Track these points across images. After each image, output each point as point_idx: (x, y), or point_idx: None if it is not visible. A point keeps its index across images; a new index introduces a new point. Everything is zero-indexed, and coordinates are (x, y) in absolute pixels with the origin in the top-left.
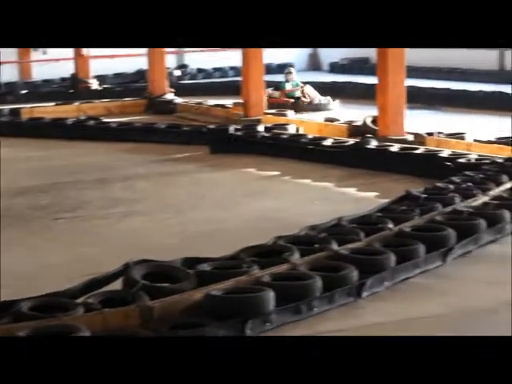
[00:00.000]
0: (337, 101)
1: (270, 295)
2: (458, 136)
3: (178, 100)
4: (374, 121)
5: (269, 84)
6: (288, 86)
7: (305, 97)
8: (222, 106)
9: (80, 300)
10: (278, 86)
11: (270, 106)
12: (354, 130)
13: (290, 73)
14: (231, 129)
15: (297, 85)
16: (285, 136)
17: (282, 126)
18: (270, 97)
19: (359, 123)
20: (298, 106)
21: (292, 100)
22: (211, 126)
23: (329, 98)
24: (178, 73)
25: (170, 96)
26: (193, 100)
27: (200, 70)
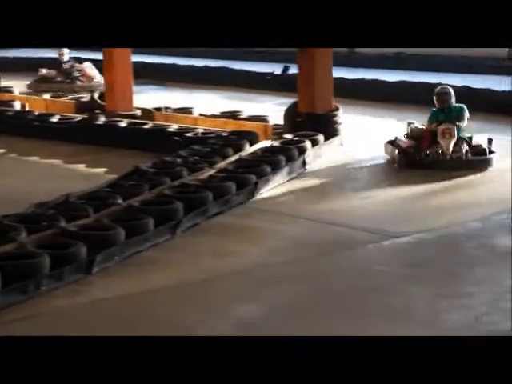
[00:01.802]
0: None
1: None
2: (186, 111)
3: None
4: (102, 96)
5: None
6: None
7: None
8: None
9: None
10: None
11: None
12: (82, 105)
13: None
14: None
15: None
16: (10, 113)
17: (7, 103)
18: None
19: (87, 99)
20: None
21: None
22: None
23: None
24: None
25: None
26: None
27: None
